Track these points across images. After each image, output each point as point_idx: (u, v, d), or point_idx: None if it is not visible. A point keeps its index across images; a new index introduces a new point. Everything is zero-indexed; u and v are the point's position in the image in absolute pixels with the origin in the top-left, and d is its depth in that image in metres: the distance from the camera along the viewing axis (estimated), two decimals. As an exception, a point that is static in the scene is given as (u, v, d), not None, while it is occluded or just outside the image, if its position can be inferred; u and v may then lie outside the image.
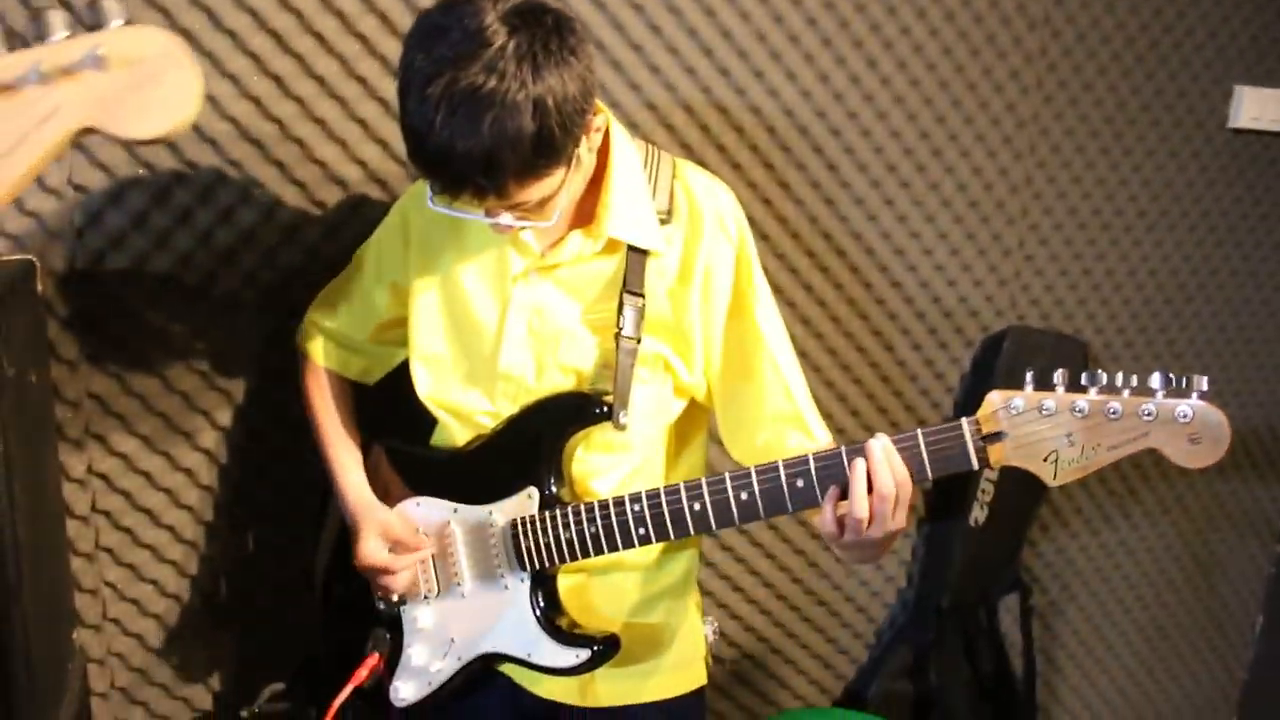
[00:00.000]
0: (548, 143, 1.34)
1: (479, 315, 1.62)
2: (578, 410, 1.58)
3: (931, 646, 2.57)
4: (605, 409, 1.55)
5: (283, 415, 1.90)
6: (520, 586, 1.61)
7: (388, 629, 1.70)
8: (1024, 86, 2.38)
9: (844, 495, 1.41)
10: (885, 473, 1.37)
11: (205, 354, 1.95)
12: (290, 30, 1.85)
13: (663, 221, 1.57)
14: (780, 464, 1.44)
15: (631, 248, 1.55)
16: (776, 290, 2.19)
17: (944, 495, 2.53)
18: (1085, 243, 2.55)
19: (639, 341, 1.55)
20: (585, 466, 1.62)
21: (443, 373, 1.66)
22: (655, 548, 1.68)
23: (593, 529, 1.55)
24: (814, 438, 1.61)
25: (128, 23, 0.82)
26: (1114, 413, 1.26)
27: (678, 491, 1.50)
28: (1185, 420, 1.23)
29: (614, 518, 1.53)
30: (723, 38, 2.10)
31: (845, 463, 1.41)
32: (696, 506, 1.49)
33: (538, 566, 1.59)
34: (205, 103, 1.81)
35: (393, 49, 1.87)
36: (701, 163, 2.06)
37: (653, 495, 1.51)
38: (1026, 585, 2.67)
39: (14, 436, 1.53)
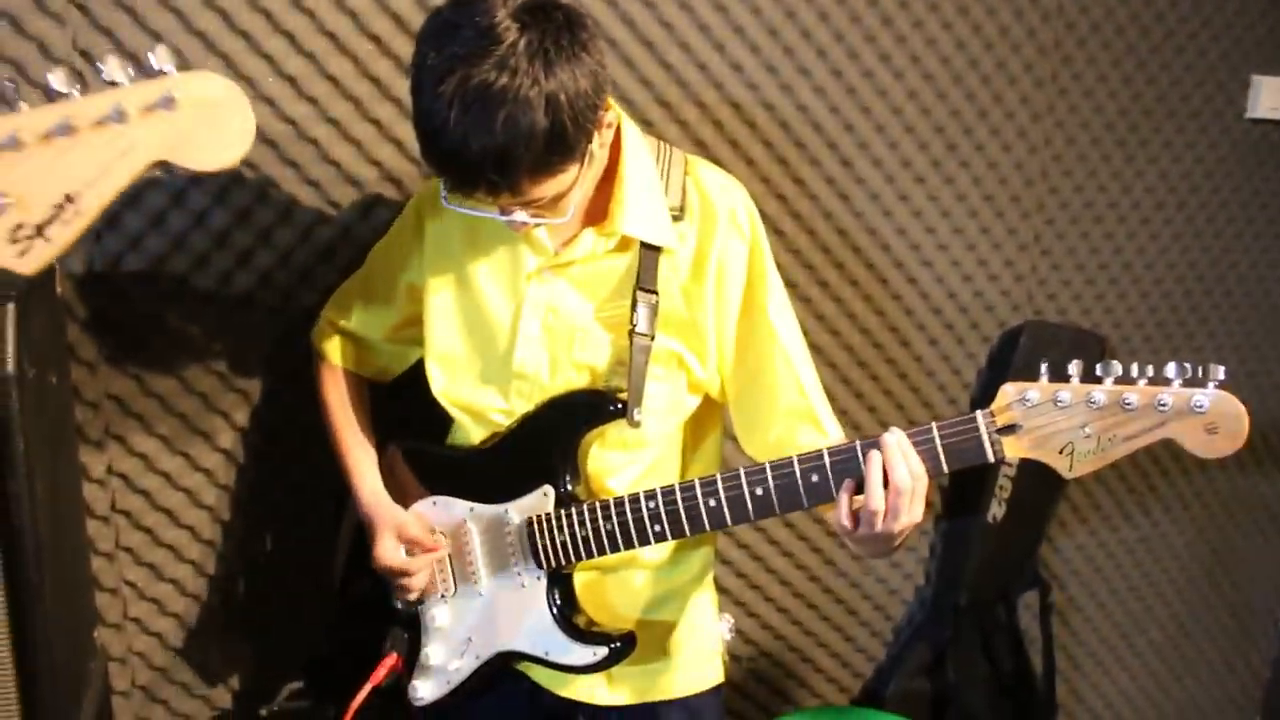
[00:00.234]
0: (560, 138, 1.35)
1: (493, 313, 1.62)
2: (592, 408, 1.58)
3: (950, 644, 2.56)
4: (620, 406, 1.55)
5: (300, 415, 1.91)
6: (537, 584, 1.61)
7: (405, 628, 1.71)
8: (1038, 79, 2.37)
9: (859, 489, 1.41)
10: (901, 466, 1.37)
11: (223, 354, 1.96)
12: (303, 31, 1.85)
13: (675, 218, 1.57)
14: (795, 459, 1.44)
15: (645, 244, 1.55)
16: (791, 286, 2.20)
17: (962, 491, 2.52)
18: (1102, 236, 2.53)
19: (653, 338, 1.55)
20: (600, 464, 1.62)
21: (457, 371, 1.67)
22: (670, 545, 1.68)
23: (608, 526, 1.55)
24: (826, 433, 1.61)
25: (180, 68, 0.91)
26: (1129, 404, 1.25)
27: (693, 488, 1.50)
28: (1201, 410, 1.22)
29: (629, 515, 1.53)
30: (735, 34, 2.10)
31: (860, 456, 1.40)
32: (711, 503, 1.49)
33: (554, 564, 1.60)
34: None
35: (406, 49, 1.87)
36: (715, 159, 2.06)
37: (668, 492, 1.51)
38: (1046, 582, 2.65)
39: (35, 437, 1.53)
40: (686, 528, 1.51)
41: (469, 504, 1.66)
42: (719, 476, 1.49)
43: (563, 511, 1.58)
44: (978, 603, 2.56)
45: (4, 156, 0.85)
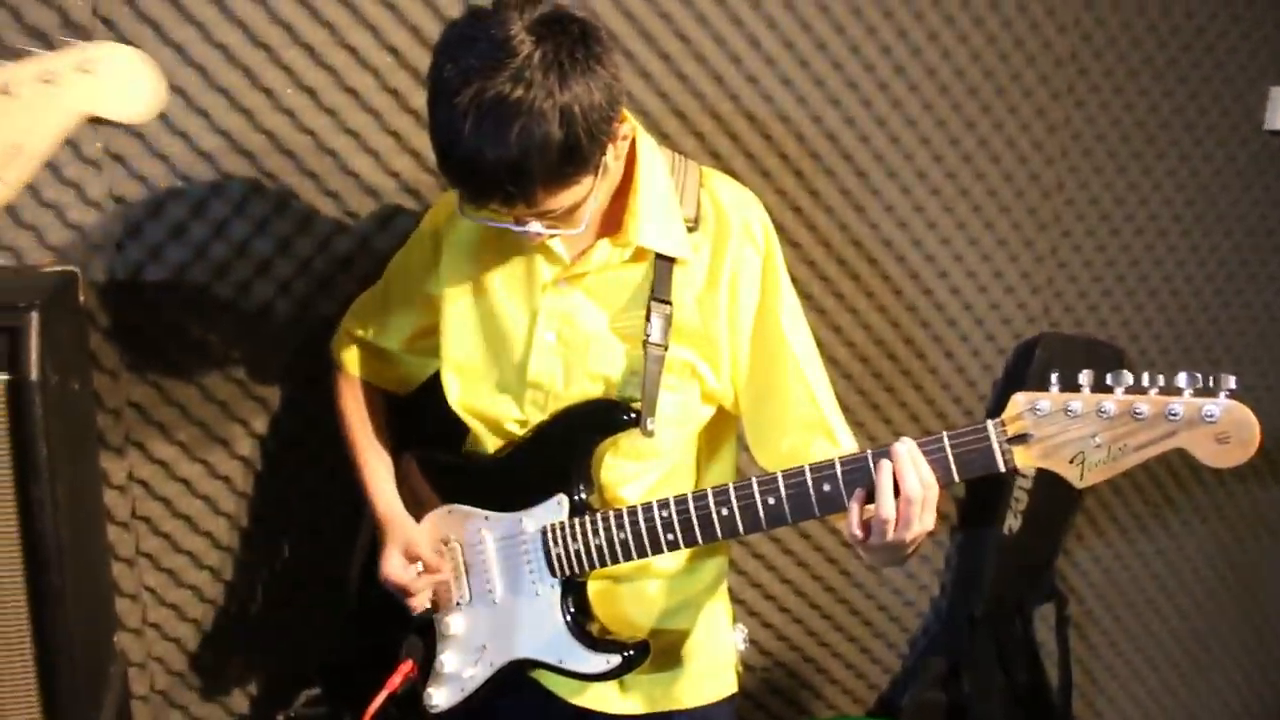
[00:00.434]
0: (575, 150, 1.36)
1: (509, 324, 1.63)
2: (605, 417, 1.59)
3: (965, 656, 2.56)
4: (633, 416, 1.56)
5: (318, 423, 1.93)
6: (551, 593, 1.62)
7: (420, 635, 1.72)
8: (1055, 91, 2.37)
9: (870, 499, 1.41)
10: (911, 474, 1.37)
11: (242, 363, 1.98)
12: (323, 44, 1.88)
13: (690, 229, 1.58)
14: (807, 468, 1.45)
15: (659, 255, 1.56)
16: (807, 298, 2.21)
17: (977, 503, 2.52)
18: (1119, 248, 2.53)
19: (666, 348, 1.56)
20: (614, 473, 1.63)
21: (473, 381, 1.68)
22: (684, 554, 1.68)
23: (621, 535, 1.56)
24: (839, 444, 1.61)
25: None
26: (1140, 413, 1.25)
27: (705, 497, 1.51)
28: (1212, 420, 1.22)
29: (643, 523, 1.54)
30: (750, 46, 2.11)
31: (871, 466, 1.41)
32: (724, 512, 1.50)
33: (568, 573, 1.60)
34: (240, 116, 1.87)
35: (424, 61, 1.87)
36: (730, 171, 2.07)
37: (680, 501, 1.52)
38: (1062, 595, 2.64)
39: (57, 443, 1.56)
40: (699, 536, 1.52)
41: (484, 513, 1.67)
42: (731, 486, 1.50)
43: (577, 520, 1.59)
44: (994, 615, 2.55)
45: None
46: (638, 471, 1.64)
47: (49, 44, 1.75)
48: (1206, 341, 2.66)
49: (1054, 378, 1.31)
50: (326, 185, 1.94)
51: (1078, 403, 1.29)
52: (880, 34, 2.20)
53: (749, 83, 2.13)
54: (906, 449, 1.38)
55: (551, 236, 1.53)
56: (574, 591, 1.63)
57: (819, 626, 2.49)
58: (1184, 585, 2.82)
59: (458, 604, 1.69)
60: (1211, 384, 1.23)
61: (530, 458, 1.64)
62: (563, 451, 1.62)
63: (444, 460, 1.77)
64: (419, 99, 1.91)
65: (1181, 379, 1.23)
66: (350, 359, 1.82)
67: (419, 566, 1.68)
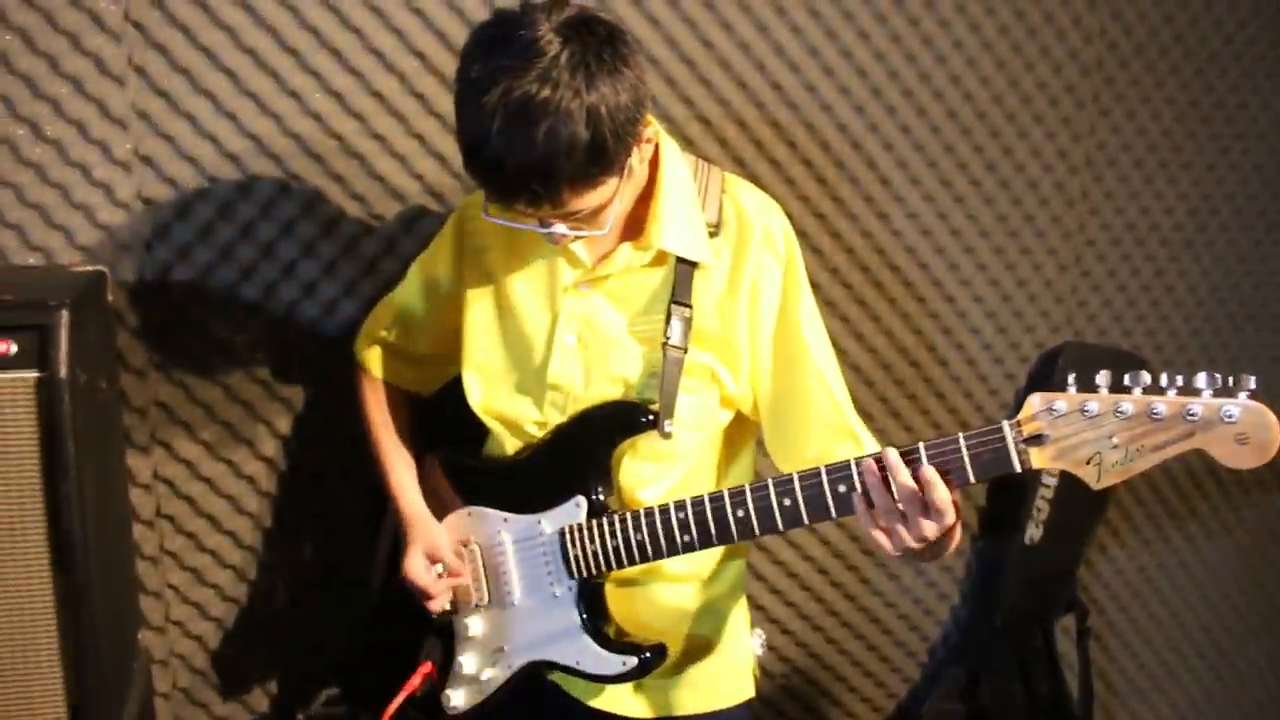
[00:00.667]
0: (601, 151, 1.37)
1: (530, 326, 1.64)
2: (624, 419, 1.59)
3: (985, 666, 2.54)
4: (651, 418, 1.57)
5: (341, 424, 1.94)
6: (569, 594, 1.63)
7: (440, 637, 1.73)
8: (1080, 100, 2.36)
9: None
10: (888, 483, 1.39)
11: (266, 363, 2.00)
12: (351, 49, 1.90)
13: (711, 234, 1.58)
14: (823, 469, 1.45)
15: (680, 259, 1.57)
16: (829, 305, 2.21)
17: (998, 512, 2.51)
18: (1143, 258, 2.52)
19: (686, 351, 1.57)
20: (632, 476, 1.64)
21: (494, 383, 1.69)
22: (702, 558, 1.68)
23: (639, 536, 1.56)
24: (864, 449, 1.61)
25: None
26: (1158, 413, 1.24)
27: (721, 498, 1.51)
28: (1231, 420, 1.21)
29: (659, 524, 1.55)
30: (776, 53, 2.12)
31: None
32: (740, 512, 1.50)
33: (586, 574, 1.61)
34: (268, 119, 1.89)
35: (450, 66, 1.90)
36: (754, 177, 2.08)
37: (697, 502, 1.52)
38: (1084, 606, 2.62)
39: (85, 441, 1.58)
40: (715, 537, 1.52)
41: (503, 514, 1.68)
42: (748, 487, 1.50)
43: (595, 522, 1.59)
44: (1014, 625, 2.54)
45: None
46: (656, 474, 1.64)
47: (79, 47, 1.79)
48: (1231, 352, 2.64)
49: (1071, 379, 1.31)
50: (352, 188, 1.96)
51: (1094, 403, 1.28)
52: (905, 41, 2.20)
53: (773, 89, 2.14)
54: (890, 458, 1.39)
55: (576, 238, 1.54)
56: (592, 593, 1.63)
57: (838, 634, 2.48)
58: (1206, 597, 2.79)
59: (476, 606, 1.70)
60: (1231, 384, 1.21)
61: (549, 460, 1.65)
62: (581, 453, 1.62)
63: (465, 462, 1.78)
64: (444, 103, 1.94)
65: (1200, 379, 1.22)
66: (373, 360, 1.83)
67: (439, 569, 1.69)
